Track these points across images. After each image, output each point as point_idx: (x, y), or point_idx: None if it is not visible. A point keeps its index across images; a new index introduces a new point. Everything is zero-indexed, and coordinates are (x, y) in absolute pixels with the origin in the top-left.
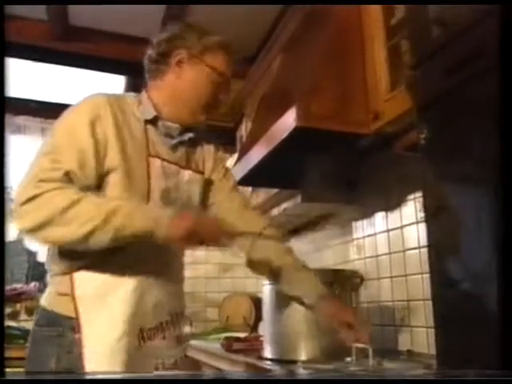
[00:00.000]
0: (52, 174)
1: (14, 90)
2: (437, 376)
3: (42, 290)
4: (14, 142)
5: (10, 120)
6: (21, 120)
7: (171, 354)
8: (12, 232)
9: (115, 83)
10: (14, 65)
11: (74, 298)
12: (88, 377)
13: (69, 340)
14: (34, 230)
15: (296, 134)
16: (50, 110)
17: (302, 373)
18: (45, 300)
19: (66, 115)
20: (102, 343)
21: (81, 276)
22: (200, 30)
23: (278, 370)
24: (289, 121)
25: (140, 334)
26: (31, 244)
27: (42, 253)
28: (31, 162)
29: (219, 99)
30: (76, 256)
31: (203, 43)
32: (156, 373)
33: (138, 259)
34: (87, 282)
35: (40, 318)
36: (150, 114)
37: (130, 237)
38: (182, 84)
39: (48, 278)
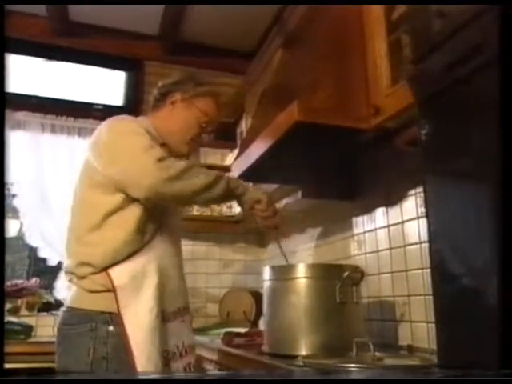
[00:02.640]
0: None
1: (13, 86)
2: (437, 376)
3: (42, 286)
4: (13, 137)
5: (10, 116)
6: (20, 116)
7: (189, 336)
8: (13, 228)
9: (115, 79)
10: (13, 61)
11: (114, 290)
12: (88, 377)
13: (103, 332)
14: (174, 179)
15: (296, 129)
16: (50, 106)
17: (303, 371)
18: (72, 301)
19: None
20: (143, 322)
21: (116, 270)
22: (198, 79)
23: (279, 369)
24: (289, 115)
25: (162, 315)
26: (32, 240)
27: (43, 249)
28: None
29: (202, 137)
30: (112, 252)
31: (197, 90)
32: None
33: (159, 253)
34: (123, 274)
35: (68, 317)
36: (158, 140)
37: (231, 194)
38: (173, 119)
39: (72, 281)
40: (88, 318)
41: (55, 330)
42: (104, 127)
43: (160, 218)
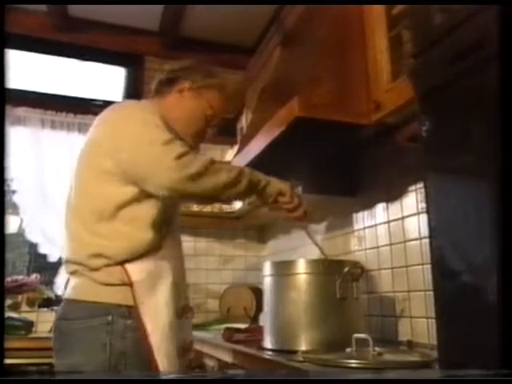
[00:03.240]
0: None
1: (13, 82)
2: (437, 376)
3: (42, 282)
4: (13, 133)
5: (10, 111)
6: (20, 111)
7: (190, 333)
8: (13, 224)
9: (115, 75)
10: (13, 56)
11: (131, 285)
12: (88, 377)
13: (120, 326)
14: (195, 177)
15: (297, 124)
16: (50, 102)
17: (303, 371)
18: (80, 293)
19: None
20: (161, 318)
21: (132, 265)
22: (207, 70)
23: (279, 365)
24: (290, 111)
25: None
26: (32, 236)
27: (44, 245)
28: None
29: (206, 131)
30: (131, 248)
31: (205, 81)
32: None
33: (170, 251)
34: (140, 270)
35: (73, 310)
36: (171, 131)
37: (254, 188)
38: (179, 108)
39: (77, 272)
40: (104, 311)
41: None
42: (120, 114)
43: (172, 216)
